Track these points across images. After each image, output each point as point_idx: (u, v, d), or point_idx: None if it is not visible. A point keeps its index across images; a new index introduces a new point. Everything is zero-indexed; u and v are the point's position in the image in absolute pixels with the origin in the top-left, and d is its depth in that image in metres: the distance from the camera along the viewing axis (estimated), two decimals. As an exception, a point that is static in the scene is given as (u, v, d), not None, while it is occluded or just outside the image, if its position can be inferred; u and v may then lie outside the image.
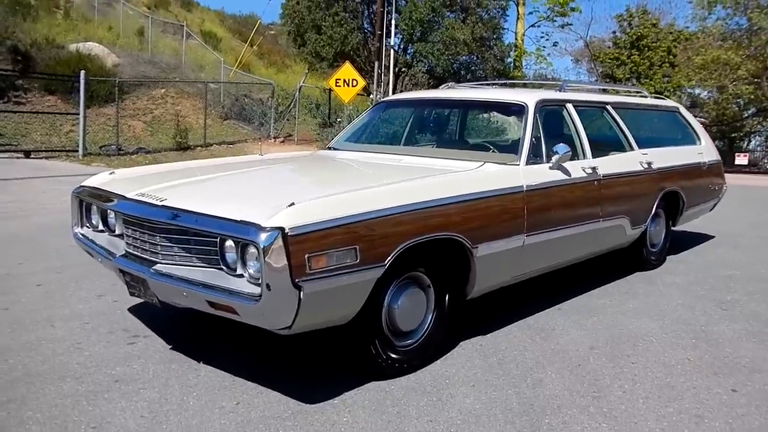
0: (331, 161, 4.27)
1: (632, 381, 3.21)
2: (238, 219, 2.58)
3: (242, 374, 3.17)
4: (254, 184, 3.50)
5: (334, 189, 2.94)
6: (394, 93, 16.21)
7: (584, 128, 4.38)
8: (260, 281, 2.52)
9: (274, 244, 2.44)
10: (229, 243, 2.70)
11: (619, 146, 4.77)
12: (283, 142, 17.39)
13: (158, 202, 2.95)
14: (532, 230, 3.70)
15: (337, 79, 14.57)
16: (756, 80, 24.97)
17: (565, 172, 3.96)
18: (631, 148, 4.84)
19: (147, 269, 2.93)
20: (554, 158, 3.87)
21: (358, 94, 15.51)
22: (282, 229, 2.47)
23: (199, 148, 15.20)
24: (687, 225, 6.05)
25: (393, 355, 3.11)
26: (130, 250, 3.15)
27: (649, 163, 4.86)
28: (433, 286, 3.27)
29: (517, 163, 3.75)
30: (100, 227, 3.57)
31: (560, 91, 4.56)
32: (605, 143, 4.64)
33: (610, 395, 3.05)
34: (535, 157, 3.86)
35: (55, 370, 3.18)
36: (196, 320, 3.85)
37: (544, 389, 3.09)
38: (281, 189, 3.34)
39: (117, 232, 3.44)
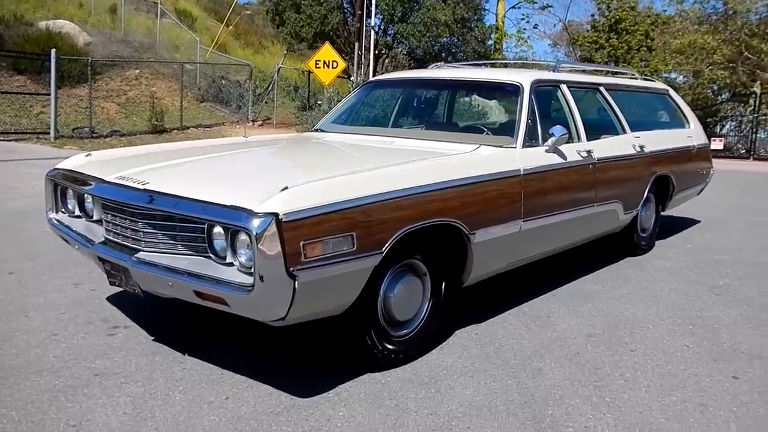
0: (320, 144, 4.11)
1: (633, 369, 3.14)
2: (228, 204, 2.42)
3: (230, 367, 3.02)
4: (241, 167, 3.33)
5: (328, 172, 2.79)
6: (374, 75, 15.97)
7: (578, 110, 4.26)
8: (252, 270, 2.37)
9: (267, 231, 2.28)
10: (218, 230, 2.54)
11: (612, 129, 4.68)
12: (261, 125, 17.07)
13: (140, 186, 2.77)
14: (529, 215, 3.60)
15: (317, 61, 14.30)
16: (731, 65, 25.22)
17: (561, 155, 3.86)
18: (624, 131, 4.75)
19: (129, 257, 2.76)
20: (550, 141, 3.76)
21: (338, 77, 15.26)
22: (276, 214, 2.31)
23: (175, 131, 14.83)
24: (673, 210, 6.01)
25: (389, 346, 2.99)
26: (110, 237, 2.97)
27: (642, 147, 4.78)
28: (430, 274, 3.15)
29: (514, 145, 3.63)
30: (77, 212, 3.38)
31: (554, 71, 4.44)
32: (598, 126, 4.54)
33: (612, 384, 2.97)
34: (530, 139, 3.75)
35: (30, 364, 3.00)
36: (179, 310, 3.68)
37: (545, 379, 3.00)
38: (271, 173, 3.17)
39: (95, 217, 3.25)
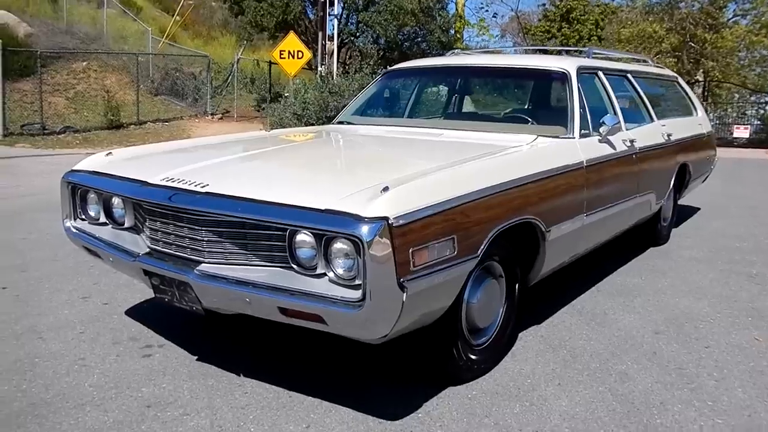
0: (364, 138, 3.75)
1: (718, 368, 2.99)
2: (323, 208, 2.11)
3: (297, 388, 2.71)
4: (303, 165, 2.96)
5: (416, 169, 2.50)
6: (339, 65, 15.57)
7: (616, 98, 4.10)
8: (356, 283, 2.08)
9: (378, 238, 1.99)
10: (302, 237, 2.22)
11: (643, 117, 4.55)
12: (221, 118, 16.45)
13: (200, 188, 2.41)
14: (591, 209, 3.41)
15: (281, 51, 13.79)
16: (677, 54, 25.94)
17: (611, 145, 3.68)
18: (652, 120, 4.63)
19: (190, 271, 2.41)
20: (602, 130, 3.58)
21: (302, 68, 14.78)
22: (386, 219, 2.03)
23: (132, 126, 14.10)
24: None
25: (472, 356, 2.74)
26: (159, 248, 2.60)
27: (669, 135, 4.67)
28: (505, 275, 2.91)
29: (572, 136, 3.43)
30: (102, 219, 2.98)
31: (588, 57, 4.26)
32: (631, 114, 4.40)
33: (705, 386, 2.82)
34: (582, 129, 3.55)
35: (66, 397, 2.61)
36: (210, 322, 3.32)
37: (634, 384, 2.82)
38: (346, 171, 2.83)
39: (127, 224, 2.86)
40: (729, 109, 24.23)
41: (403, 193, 2.17)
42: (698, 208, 6.81)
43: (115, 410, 2.52)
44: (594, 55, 4.37)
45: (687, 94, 5.79)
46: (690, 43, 25.71)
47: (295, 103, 12.91)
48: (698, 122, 5.65)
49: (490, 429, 2.45)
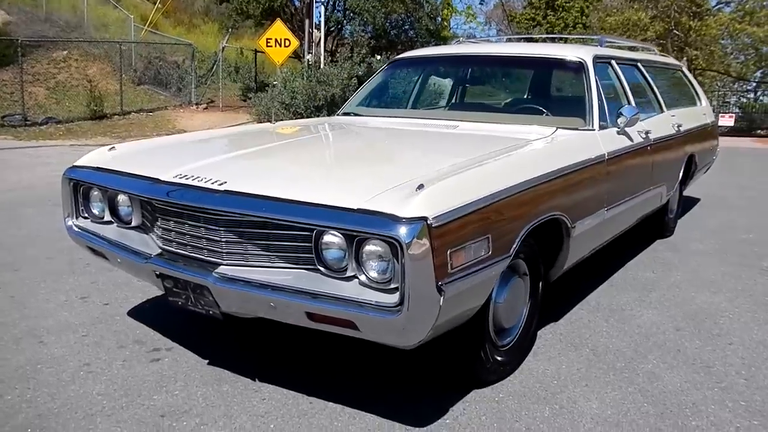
0: (377, 131, 3.58)
1: (746, 366, 2.93)
2: (355, 207, 1.99)
3: (315, 393, 2.59)
4: (319, 162, 2.80)
5: (445, 165, 2.37)
6: (326, 53, 15.34)
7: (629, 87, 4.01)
8: (393, 286, 1.97)
9: (417, 239, 1.87)
10: (330, 238, 2.10)
11: (653, 108, 4.46)
12: (206, 108, 16.16)
13: (218, 186, 2.27)
14: (611, 203, 3.33)
15: (268, 39, 13.47)
16: (662, 41, 26.04)
17: (629, 137, 3.59)
18: (662, 110, 4.55)
19: (208, 274, 2.27)
20: (621, 121, 3.48)
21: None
22: (425, 219, 1.91)
23: (116, 116, 13.77)
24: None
25: (498, 358, 2.64)
26: (172, 248, 2.46)
27: (679, 126, 4.60)
28: (530, 274, 2.81)
29: (591, 127, 3.33)
30: (107, 217, 2.82)
31: (601, 46, 4.15)
32: (643, 104, 4.31)
33: (735, 385, 2.75)
34: (601, 120, 3.45)
35: (73, 406, 2.47)
36: (214, 323, 3.17)
37: (663, 383, 2.74)
38: (367, 167, 2.68)
39: (134, 223, 2.71)
40: (711, 98, 24.40)
41: (440, 191, 2.05)
42: (698, 199, 6.78)
43: (128, 420, 2.39)
44: (606, 44, 4.27)
45: (691, 83, 5.72)
46: (674, 30, 25.82)
47: (283, 92, 12.68)
48: (702, 112, 5.59)
49: (523, 434, 2.35)
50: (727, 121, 19.52)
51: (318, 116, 12.53)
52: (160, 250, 2.50)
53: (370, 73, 13.92)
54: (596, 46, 4.09)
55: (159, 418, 2.41)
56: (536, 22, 27.22)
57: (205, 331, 3.18)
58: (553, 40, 16.51)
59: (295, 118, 12.49)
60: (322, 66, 13.92)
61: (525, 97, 4.16)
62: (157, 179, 2.46)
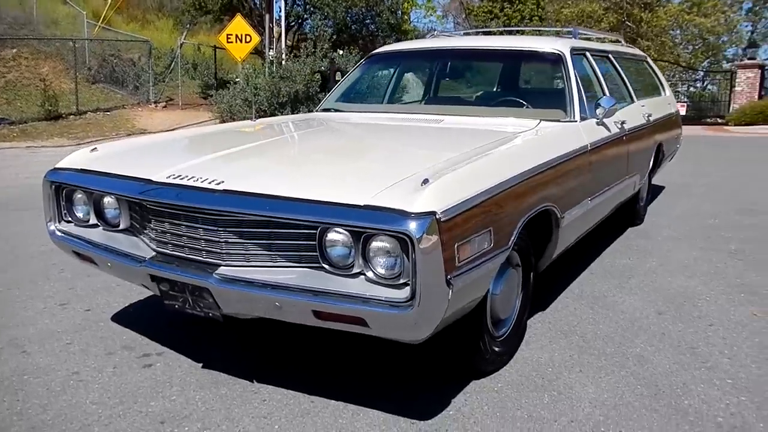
0: (364, 126, 3.55)
1: (728, 345, 3.04)
2: (362, 204, 1.98)
3: (315, 391, 2.58)
4: (314, 159, 2.77)
5: (442, 159, 2.38)
6: (288, 48, 15.17)
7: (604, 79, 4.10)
8: (403, 282, 1.97)
9: (428, 234, 1.88)
10: (334, 235, 2.09)
11: (624, 98, 4.56)
12: (165, 107, 15.82)
13: (216, 186, 2.23)
14: (594, 193, 3.40)
15: (228, 35, 13.27)
16: (615, 33, 26.55)
17: (606, 127, 3.67)
18: (632, 100, 4.66)
19: (208, 275, 2.23)
20: (599, 112, 3.55)
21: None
22: (434, 213, 1.92)
23: (72, 116, 13.35)
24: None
25: (495, 348, 2.68)
26: (168, 251, 2.40)
27: (648, 116, 4.72)
28: (522, 265, 2.86)
29: (573, 119, 3.39)
30: (92, 221, 2.74)
31: (574, 38, 4.23)
32: (616, 95, 4.39)
33: (721, 364, 2.85)
34: (581, 112, 3.52)
35: (68, 417, 2.40)
36: (202, 325, 3.13)
37: (653, 366, 2.82)
38: (364, 163, 2.65)
39: (122, 226, 2.65)
40: (665, 88, 24.96)
41: (445, 185, 2.06)
42: (663, 187, 6.97)
43: (127, 429, 2.33)
44: (579, 35, 4.35)
45: (656, 73, 5.87)
46: (627, 22, 26.45)
47: (246, 89, 12.51)
48: (668, 102, 5.75)
49: (525, 422, 2.39)
50: (680, 110, 20.12)
51: (282, 113, 12.41)
52: (154, 253, 2.44)
53: (335, 69, 13.86)
54: (570, 38, 4.16)
55: (159, 425, 2.36)
56: (493, 14, 27.47)
57: (194, 334, 3.12)
58: (522, 32, 16.66)
59: (259, 115, 12.35)
60: (283, 62, 13.78)
61: (505, 89, 4.20)
62: (149, 180, 2.40)
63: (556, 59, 3.65)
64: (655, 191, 6.71)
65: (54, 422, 2.37)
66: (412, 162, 2.43)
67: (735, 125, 16.99)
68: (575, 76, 3.57)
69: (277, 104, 12.61)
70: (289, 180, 2.28)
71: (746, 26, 33.36)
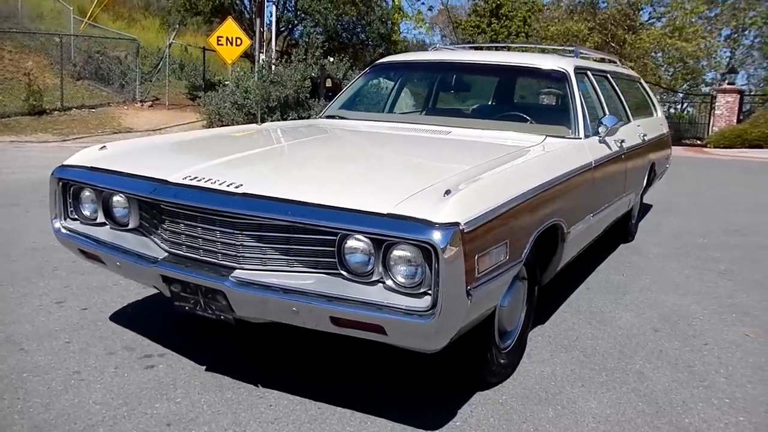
0: (372, 135, 3.54)
1: (723, 365, 3.09)
2: (385, 212, 1.99)
3: (321, 398, 2.58)
4: (331, 166, 2.75)
5: (459, 170, 2.40)
6: (277, 54, 15.14)
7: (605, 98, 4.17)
8: (421, 290, 1.99)
9: (451, 244, 1.90)
10: (354, 243, 2.09)
11: (622, 117, 4.63)
12: (151, 106, 15.67)
13: (235, 189, 2.23)
14: (595, 209, 3.45)
15: (218, 37, 13.24)
16: (610, 54, 26.93)
17: (608, 145, 3.73)
18: (629, 120, 4.74)
19: (224, 278, 2.22)
20: (602, 130, 3.62)
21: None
22: (457, 224, 1.93)
23: (56, 112, 13.17)
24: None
25: (501, 360, 2.70)
26: (182, 252, 2.39)
27: (644, 136, 4.81)
28: (528, 278, 2.89)
29: (579, 136, 3.44)
30: (100, 219, 2.71)
31: (576, 57, 4.30)
32: (615, 114, 4.47)
33: (717, 383, 2.90)
34: (585, 129, 3.58)
35: (70, 417, 2.37)
36: (202, 326, 3.12)
37: (653, 383, 2.87)
38: (381, 172, 2.64)
39: (131, 225, 2.62)
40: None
41: (467, 196, 2.08)
42: (651, 205, 7.09)
43: (132, 430, 2.30)
44: (581, 55, 4.42)
45: (649, 94, 5.99)
46: (611, 43, 26.89)
47: (236, 92, 12.46)
48: (660, 122, 5.86)
49: (532, 435, 2.41)
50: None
51: (271, 117, 12.38)
52: (166, 254, 2.42)
53: (325, 75, 13.87)
54: (572, 56, 4.23)
55: (165, 427, 2.34)
56: (480, 29, 27.78)
57: (195, 336, 3.10)
58: (509, 48, 16.82)
59: (248, 119, 12.30)
60: (273, 67, 13.76)
61: (510, 104, 4.25)
62: (165, 180, 2.38)
63: (561, 77, 3.71)
64: (645, 209, 6.83)
65: (57, 422, 2.33)
66: (429, 172, 2.45)
67: (714, 147, 17.35)
68: (579, 94, 3.62)
69: (266, 108, 12.57)
70: (308, 186, 2.28)
71: (725, 51, 34.11)
